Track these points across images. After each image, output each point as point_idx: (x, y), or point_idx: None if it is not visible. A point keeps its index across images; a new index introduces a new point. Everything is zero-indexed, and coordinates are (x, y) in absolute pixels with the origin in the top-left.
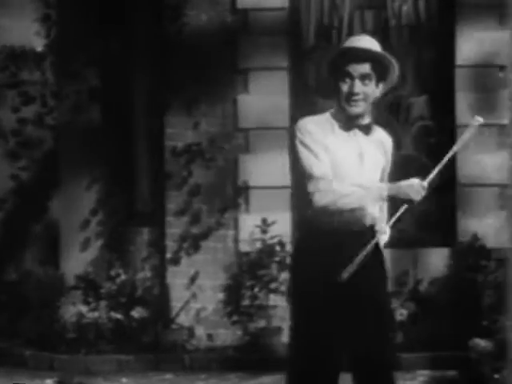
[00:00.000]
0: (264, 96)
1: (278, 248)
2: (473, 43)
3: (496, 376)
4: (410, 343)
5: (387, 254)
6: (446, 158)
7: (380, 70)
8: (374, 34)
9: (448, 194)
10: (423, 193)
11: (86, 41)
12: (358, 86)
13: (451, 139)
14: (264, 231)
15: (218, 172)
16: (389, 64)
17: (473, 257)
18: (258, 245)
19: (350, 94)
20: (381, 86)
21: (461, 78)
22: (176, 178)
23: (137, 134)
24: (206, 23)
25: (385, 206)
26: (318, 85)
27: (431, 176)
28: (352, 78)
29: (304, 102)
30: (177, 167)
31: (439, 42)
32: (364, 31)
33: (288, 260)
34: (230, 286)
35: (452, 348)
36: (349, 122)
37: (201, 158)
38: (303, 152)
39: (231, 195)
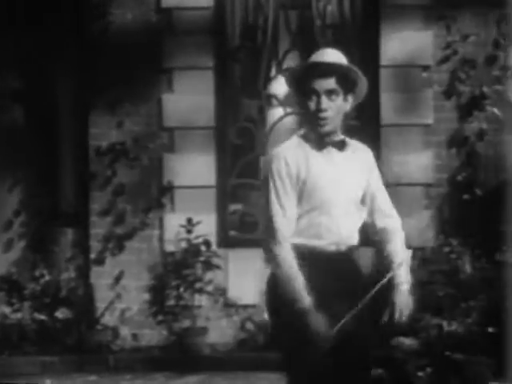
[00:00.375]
0: (189, 95)
1: (203, 248)
2: (397, 43)
3: (420, 374)
4: None
5: None
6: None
7: (347, 84)
8: (298, 34)
9: None
10: (323, 330)
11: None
12: (325, 102)
13: (376, 139)
14: (189, 231)
15: (142, 172)
16: (355, 76)
17: None
18: (183, 245)
19: (317, 111)
20: (350, 99)
21: (385, 78)
22: (100, 178)
23: (61, 134)
24: (130, 22)
25: (394, 232)
26: (243, 85)
27: (339, 324)
28: (318, 94)
29: (229, 102)
30: (101, 167)
31: (364, 42)
32: (289, 31)
33: (213, 259)
34: (155, 286)
35: (376, 347)
36: (321, 141)
37: (125, 158)
38: (275, 190)
39: (156, 195)
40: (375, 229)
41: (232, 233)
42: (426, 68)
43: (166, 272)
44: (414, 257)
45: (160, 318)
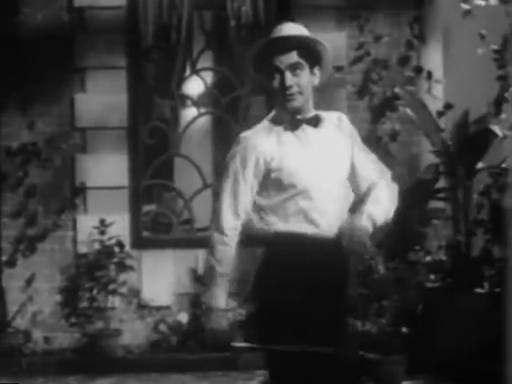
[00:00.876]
0: (101, 95)
1: (116, 249)
2: None
3: None
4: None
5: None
6: None
7: (310, 56)
8: (212, 34)
9: None
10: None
11: None
12: (289, 79)
13: None
14: (102, 232)
15: (54, 172)
16: (319, 47)
17: None
18: (96, 246)
19: (283, 89)
20: (318, 72)
21: None
22: (11, 179)
23: None
24: (42, 21)
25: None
26: (157, 84)
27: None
28: (280, 71)
29: (142, 102)
30: (12, 168)
31: None
32: (203, 31)
33: (126, 261)
34: (68, 288)
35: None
36: (294, 120)
37: (37, 159)
38: (230, 178)
39: (68, 196)
40: (361, 195)
41: (145, 234)
42: (339, 68)
43: (78, 274)
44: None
45: (73, 320)
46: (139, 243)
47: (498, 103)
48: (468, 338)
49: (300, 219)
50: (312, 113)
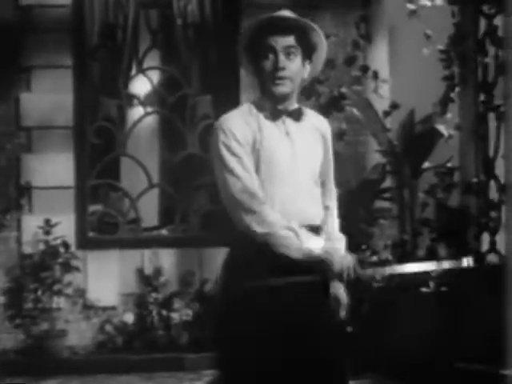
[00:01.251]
0: (47, 94)
1: (61, 249)
2: None
3: None
4: (195, 344)
5: (172, 254)
6: None
7: (306, 45)
8: (159, 33)
9: None
10: (349, 272)
11: None
12: (283, 61)
13: None
14: (47, 232)
15: None
16: (316, 38)
17: None
18: (41, 246)
19: (275, 70)
20: (308, 66)
21: (245, 78)
22: None
23: None
24: None
25: (334, 211)
26: (103, 83)
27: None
28: (275, 52)
29: (88, 101)
30: None
31: (224, 42)
32: (149, 30)
33: (72, 261)
34: (12, 289)
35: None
36: (275, 110)
37: None
38: (230, 159)
39: (13, 196)
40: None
41: (91, 234)
42: None
43: (23, 274)
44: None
45: (17, 321)
46: (85, 243)
47: (444, 103)
48: (414, 337)
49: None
50: (294, 105)
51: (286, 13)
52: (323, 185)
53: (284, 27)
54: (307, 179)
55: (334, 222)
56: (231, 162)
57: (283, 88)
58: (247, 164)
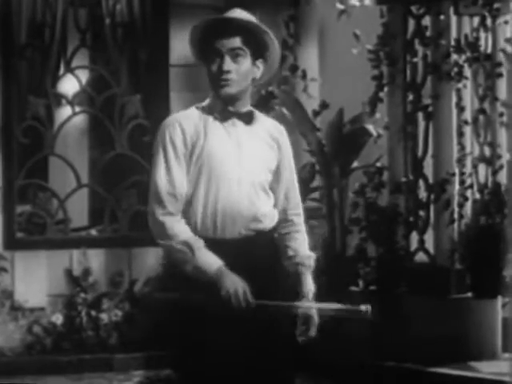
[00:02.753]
0: None
1: None
2: (186, 42)
3: None
4: (124, 344)
5: (101, 254)
6: None
7: (255, 45)
8: (87, 32)
9: None
10: (238, 299)
11: None
12: (228, 63)
13: None
14: None
15: None
16: (266, 38)
17: None
18: None
19: (220, 73)
20: (261, 66)
21: (175, 78)
22: None
23: None
24: None
25: (302, 227)
26: (31, 83)
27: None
28: (221, 54)
29: (16, 100)
30: None
31: (153, 41)
32: (78, 29)
33: None
34: None
35: (166, 347)
36: (225, 111)
37: None
38: (159, 161)
39: None
40: (284, 220)
41: (19, 234)
42: None
43: None
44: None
45: None
46: (12, 244)
47: (373, 103)
48: (342, 337)
49: (213, 214)
50: (247, 108)
51: (234, 13)
52: (285, 196)
53: (230, 29)
54: (251, 184)
55: (301, 239)
56: (159, 163)
57: (229, 89)
58: (173, 169)
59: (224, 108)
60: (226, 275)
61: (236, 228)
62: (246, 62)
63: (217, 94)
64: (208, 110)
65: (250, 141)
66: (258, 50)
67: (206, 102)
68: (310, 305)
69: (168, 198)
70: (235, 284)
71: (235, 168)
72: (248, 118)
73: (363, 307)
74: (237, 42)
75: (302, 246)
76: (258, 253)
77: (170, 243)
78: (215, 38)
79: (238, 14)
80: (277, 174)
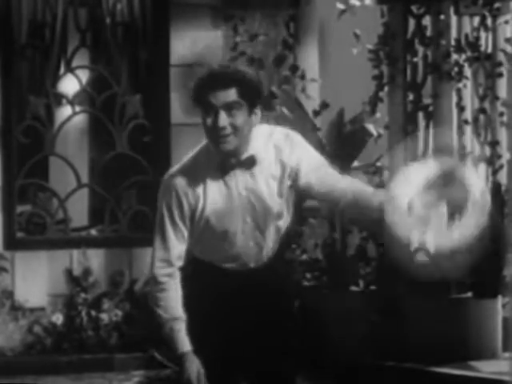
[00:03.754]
0: None
1: None
2: (186, 42)
3: None
4: (125, 344)
5: (101, 254)
6: None
7: (251, 95)
8: (88, 31)
9: None
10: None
11: None
12: (223, 119)
13: (165, 138)
14: None
15: None
16: (260, 86)
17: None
18: None
19: (215, 129)
20: (258, 112)
21: (175, 78)
22: None
23: None
24: None
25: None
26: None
27: None
28: (215, 109)
29: (16, 100)
30: None
31: (154, 41)
32: (78, 29)
33: None
34: None
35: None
36: (225, 164)
37: None
38: (161, 223)
39: None
40: (344, 194)
41: (19, 234)
42: None
43: None
44: None
45: None
46: (12, 244)
47: (373, 102)
48: (343, 336)
49: (220, 257)
50: (248, 154)
51: (225, 67)
52: (322, 180)
53: (222, 81)
54: (259, 221)
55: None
56: (157, 227)
57: (227, 145)
58: (169, 236)
59: (224, 160)
60: (189, 360)
61: (243, 263)
62: (241, 113)
63: (215, 150)
64: (207, 161)
65: (252, 184)
66: (254, 98)
67: (203, 153)
68: None
69: (161, 264)
70: (195, 369)
71: (239, 220)
72: (249, 164)
73: None
74: (232, 94)
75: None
76: (264, 284)
77: (160, 319)
78: (209, 91)
79: (228, 68)
80: (297, 177)
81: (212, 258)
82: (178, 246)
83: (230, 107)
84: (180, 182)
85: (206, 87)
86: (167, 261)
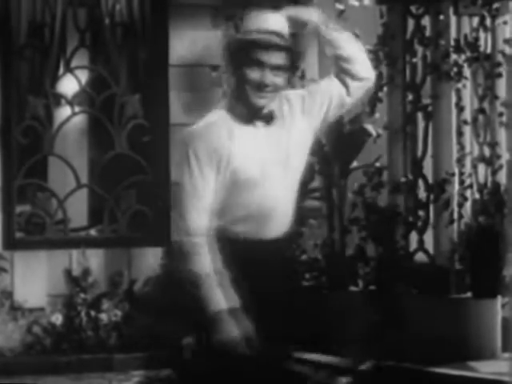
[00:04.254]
0: None
1: None
2: (186, 42)
3: None
4: (124, 344)
5: (100, 254)
6: None
7: (293, 62)
8: (87, 32)
9: (161, 193)
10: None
11: None
12: (269, 78)
13: (165, 138)
14: None
15: None
16: (300, 57)
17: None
18: None
19: (260, 85)
20: (287, 76)
21: (174, 77)
22: None
23: None
24: None
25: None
26: (31, 83)
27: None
28: (262, 67)
29: (15, 100)
30: None
31: (153, 41)
32: (77, 29)
33: None
34: None
35: (166, 347)
36: (249, 116)
37: None
38: (189, 175)
39: None
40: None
41: (19, 234)
42: (215, 67)
43: None
44: None
45: None
46: (12, 244)
47: (372, 103)
48: (343, 335)
49: (247, 220)
50: (268, 109)
51: (276, 24)
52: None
53: (278, 45)
54: (284, 182)
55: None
56: (190, 175)
57: (263, 101)
58: (207, 183)
59: (249, 114)
60: (224, 320)
61: (269, 231)
62: (282, 77)
63: (247, 102)
64: (232, 114)
65: (274, 139)
66: (294, 67)
67: (228, 105)
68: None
69: (195, 214)
70: (230, 329)
71: (266, 171)
72: (269, 118)
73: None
74: (281, 58)
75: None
76: (283, 253)
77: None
78: (260, 50)
79: (279, 23)
80: (331, 102)
81: (237, 226)
82: (208, 197)
83: (277, 68)
84: (207, 133)
85: (261, 46)
86: (201, 209)
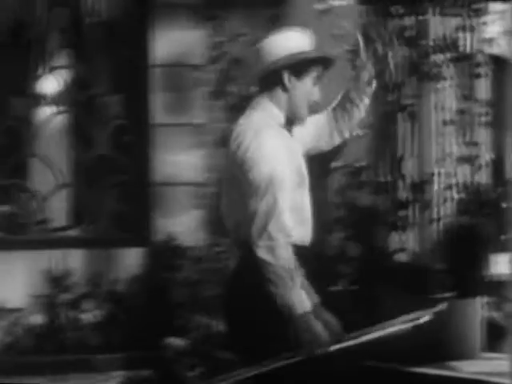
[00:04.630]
0: None
1: None
2: (168, 43)
3: (190, 374)
4: (105, 344)
5: (81, 255)
6: None
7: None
8: (68, 31)
9: (142, 194)
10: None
11: None
12: (317, 93)
13: (146, 138)
14: None
15: None
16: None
17: (167, 256)
18: None
19: (309, 100)
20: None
21: (156, 78)
22: None
23: None
24: None
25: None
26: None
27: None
28: (315, 81)
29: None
30: None
31: (134, 41)
32: (58, 28)
33: None
34: None
35: (147, 348)
36: (287, 124)
37: None
38: (269, 183)
39: None
40: None
41: None
42: (196, 67)
43: None
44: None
45: None
46: None
47: None
48: None
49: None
50: None
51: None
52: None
53: (323, 60)
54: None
55: None
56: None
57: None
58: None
59: (288, 125)
60: (313, 320)
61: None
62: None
63: (298, 115)
64: (275, 120)
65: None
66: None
67: (268, 112)
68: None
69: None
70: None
71: (303, 172)
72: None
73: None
74: (320, 70)
75: None
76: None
77: (274, 262)
78: (315, 66)
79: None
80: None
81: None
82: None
83: (318, 80)
84: (270, 137)
85: (316, 62)
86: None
